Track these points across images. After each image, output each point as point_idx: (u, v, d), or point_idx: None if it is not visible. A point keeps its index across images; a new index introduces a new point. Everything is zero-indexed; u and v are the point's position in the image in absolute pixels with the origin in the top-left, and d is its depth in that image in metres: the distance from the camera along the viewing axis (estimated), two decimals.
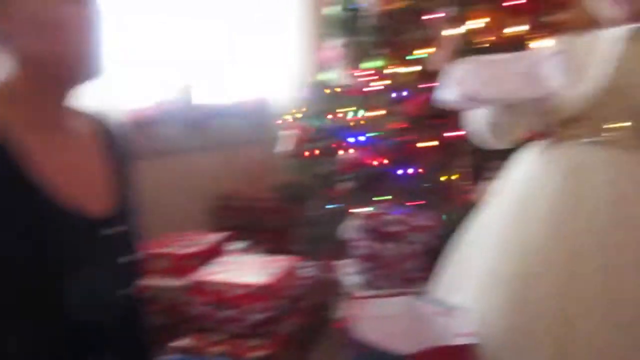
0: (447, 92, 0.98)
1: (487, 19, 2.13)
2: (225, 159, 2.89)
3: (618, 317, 0.86)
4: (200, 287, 1.76)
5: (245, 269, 1.85)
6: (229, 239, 2.33)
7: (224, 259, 1.99)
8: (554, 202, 0.94)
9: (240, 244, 2.36)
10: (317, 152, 2.36)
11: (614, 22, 0.96)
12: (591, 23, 1.02)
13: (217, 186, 2.84)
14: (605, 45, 0.95)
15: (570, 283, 0.89)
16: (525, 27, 2.04)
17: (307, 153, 2.42)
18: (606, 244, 0.87)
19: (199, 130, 2.72)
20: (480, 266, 1.05)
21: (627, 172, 0.87)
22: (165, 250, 1.97)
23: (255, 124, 2.96)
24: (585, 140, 0.92)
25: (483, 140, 1.11)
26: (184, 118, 2.61)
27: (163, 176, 2.54)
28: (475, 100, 0.92)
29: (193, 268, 1.90)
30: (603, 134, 0.90)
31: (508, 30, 2.17)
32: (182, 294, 1.80)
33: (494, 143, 1.11)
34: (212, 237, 2.17)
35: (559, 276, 0.90)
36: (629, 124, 0.88)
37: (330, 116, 2.36)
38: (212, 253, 2.04)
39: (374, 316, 1.17)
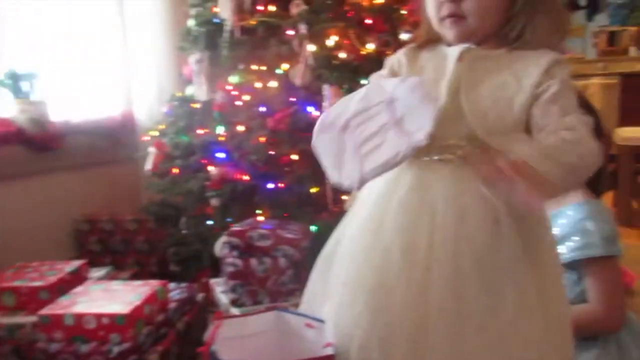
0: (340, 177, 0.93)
1: (344, 36, 2.22)
2: (86, 179, 2.71)
3: (467, 324, 0.89)
4: (55, 322, 1.62)
5: (107, 297, 1.74)
6: (90, 265, 2.19)
7: (84, 288, 1.85)
8: (400, 215, 0.97)
9: (103, 270, 2.22)
10: (184, 169, 2.29)
11: (450, 42, 1.00)
12: (433, 41, 1.05)
13: (78, 209, 2.65)
14: (442, 65, 0.98)
15: (422, 294, 0.91)
16: (373, 45, 2.15)
17: (174, 170, 2.35)
18: (449, 256, 0.91)
19: (55, 149, 2.52)
20: (341, 277, 1.06)
21: (469, 188, 0.90)
22: (14, 283, 1.81)
23: (119, 141, 2.82)
24: (428, 157, 0.95)
25: None
26: (36, 136, 2.40)
27: (12, 202, 2.33)
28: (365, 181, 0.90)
29: (48, 301, 1.75)
30: (445, 152, 0.93)
31: (367, 46, 2.29)
32: (36, 330, 1.66)
33: None
34: (71, 265, 2.02)
35: (411, 287, 0.92)
36: (464, 143, 0.91)
37: (196, 132, 2.31)
38: (69, 283, 1.90)
39: (238, 335, 1.15)
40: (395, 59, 1.05)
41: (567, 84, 0.91)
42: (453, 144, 0.92)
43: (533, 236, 0.95)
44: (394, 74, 1.04)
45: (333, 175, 0.90)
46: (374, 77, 1.08)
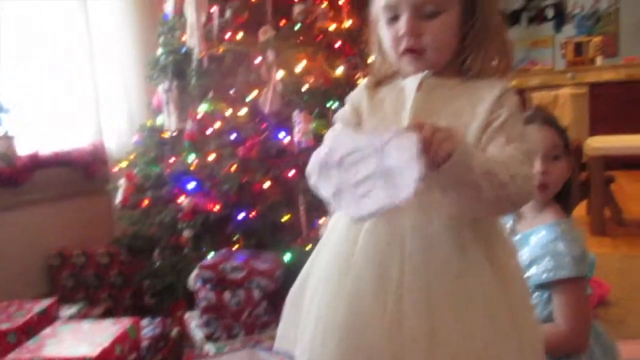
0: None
1: (313, 61, 2.22)
2: (57, 213, 2.66)
3: (442, 352, 0.89)
4: None
5: (76, 338, 1.69)
6: (62, 302, 2.13)
7: (52, 329, 1.80)
8: (370, 246, 0.96)
9: (74, 308, 2.17)
10: (156, 200, 2.26)
11: (407, 75, 1.01)
12: (390, 76, 1.05)
13: (49, 243, 2.59)
14: (401, 96, 0.99)
15: (396, 324, 0.90)
16: (342, 69, 2.16)
17: (145, 202, 2.31)
18: (420, 285, 0.90)
19: (23, 183, 2.47)
20: (313, 312, 1.04)
21: (436, 216, 0.90)
22: None
23: (90, 172, 2.77)
24: None
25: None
26: (4, 171, 2.35)
27: None
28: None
29: (15, 344, 1.70)
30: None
31: (337, 70, 2.30)
32: None
33: None
34: (40, 305, 1.96)
35: (385, 318, 0.91)
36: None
37: (167, 162, 2.28)
38: (38, 323, 1.85)
39: None
40: (356, 96, 1.06)
41: (515, 112, 0.93)
42: None
43: (499, 260, 0.96)
44: (355, 109, 1.04)
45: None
46: (338, 115, 1.08)
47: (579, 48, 6.55)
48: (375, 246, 0.94)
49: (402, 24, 0.93)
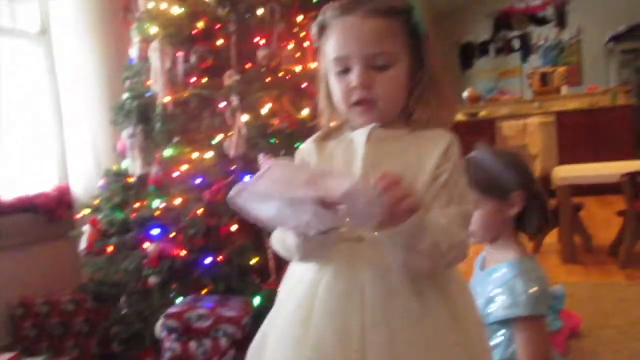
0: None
1: (278, 103, 2.24)
2: (21, 260, 2.59)
3: None
4: None
5: None
6: (24, 354, 2.06)
7: None
8: (329, 300, 0.95)
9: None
10: (120, 246, 2.22)
11: (356, 127, 1.02)
12: (337, 129, 1.06)
13: (13, 292, 2.51)
14: (350, 149, 1.00)
15: None
16: (308, 110, 2.18)
17: (110, 248, 2.27)
18: (382, 336, 0.90)
19: None
20: None
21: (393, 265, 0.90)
22: None
23: (55, 218, 2.72)
24: (350, 239, 0.95)
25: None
26: None
27: None
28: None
29: None
30: (363, 235, 0.92)
31: (302, 112, 2.32)
32: None
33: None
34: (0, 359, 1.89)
35: None
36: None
37: (132, 207, 2.25)
38: None
39: None
40: (305, 150, 1.07)
41: (458, 167, 0.96)
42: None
43: (456, 305, 0.96)
44: (305, 163, 1.05)
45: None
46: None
47: (544, 78, 6.76)
48: (335, 298, 0.94)
49: (354, 76, 0.94)
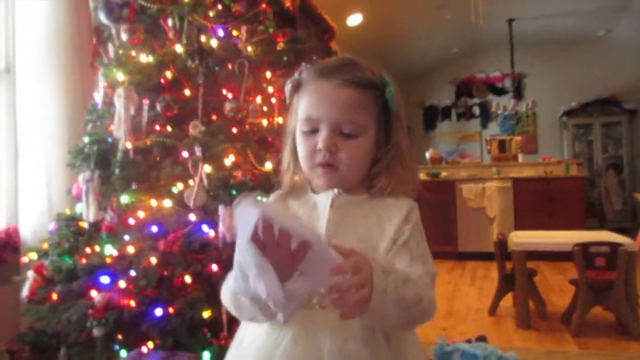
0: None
1: (241, 156, 2.24)
2: None
3: None
4: None
5: None
6: None
7: None
8: None
9: None
10: (65, 294, 2.11)
11: (316, 188, 1.03)
12: (298, 187, 1.07)
13: None
14: (314, 212, 1.00)
15: None
16: (271, 164, 2.19)
17: (55, 296, 2.16)
18: None
19: None
20: None
21: (352, 334, 0.89)
22: None
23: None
24: (310, 306, 0.94)
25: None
26: None
27: None
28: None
29: None
30: (325, 300, 0.91)
31: (266, 165, 2.32)
32: None
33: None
34: None
35: None
36: None
37: (81, 253, 2.17)
38: None
39: None
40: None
41: (418, 227, 0.98)
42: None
43: None
44: None
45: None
46: None
47: (502, 145, 7.02)
48: None
49: (320, 139, 0.96)
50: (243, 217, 0.73)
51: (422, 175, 6.84)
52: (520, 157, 6.93)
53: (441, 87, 9.64)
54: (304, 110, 0.99)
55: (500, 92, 9.14)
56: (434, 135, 9.69)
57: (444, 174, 6.85)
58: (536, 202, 6.18)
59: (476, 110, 9.34)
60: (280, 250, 0.74)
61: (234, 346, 1.03)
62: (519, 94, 8.71)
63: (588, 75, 8.62)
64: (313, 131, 0.98)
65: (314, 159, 0.98)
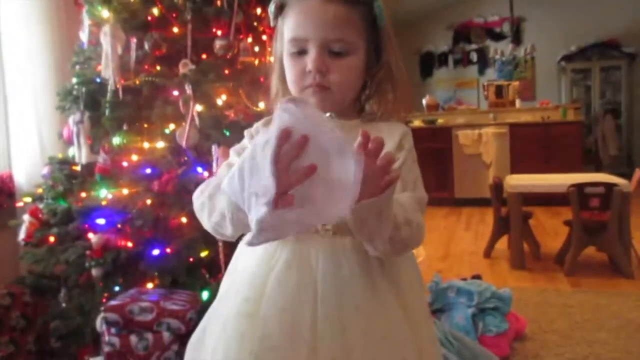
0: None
1: (234, 95, 2.20)
2: None
3: None
4: None
5: None
6: None
7: None
8: (278, 295, 0.92)
9: None
10: (62, 237, 2.12)
11: None
12: None
13: None
14: None
15: None
16: (264, 104, 2.15)
17: (52, 238, 2.17)
18: (335, 330, 0.88)
19: None
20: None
21: (346, 259, 0.89)
22: None
23: None
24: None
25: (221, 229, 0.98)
26: None
27: None
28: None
29: None
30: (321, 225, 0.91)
31: (259, 105, 2.28)
32: None
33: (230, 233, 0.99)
34: None
35: None
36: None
37: (76, 196, 2.16)
38: None
39: None
40: (254, 130, 1.04)
41: (411, 153, 0.97)
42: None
43: (407, 301, 0.95)
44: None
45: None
46: (235, 148, 1.06)
47: (499, 91, 6.94)
48: (286, 291, 0.90)
49: (309, 60, 0.93)
50: (277, 120, 0.69)
51: (419, 122, 6.80)
52: (518, 103, 6.87)
53: (438, 33, 9.43)
54: (290, 31, 0.95)
55: (498, 37, 8.95)
56: (430, 82, 9.55)
57: (440, 120, 6.80)
58: (533, 148, 6.17)
59: (474, 57, 9.17)
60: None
61: (229, 272, 1.03)
62: (517, 39, 8.55)
63: (588, 18, 8.42)
64: (301, 52, 0.94)
65: (304, 81, 0.95)
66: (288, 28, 0.96)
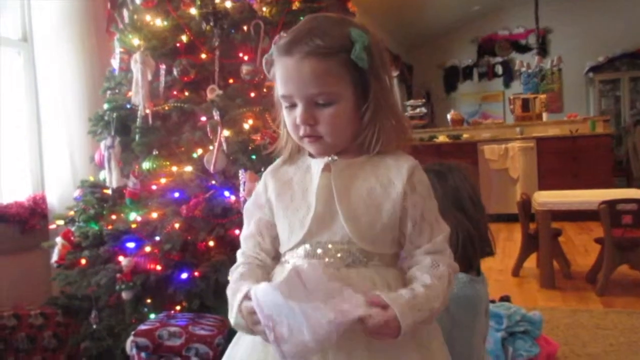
0: None
1: (260, 120, 2.23)
2: None
3: None
4: None
5: None
6: None
7: None
8: None
9: None
10: (93, 259, 2.16)
11: (315, 155, 1.02)
12: (297, 151, 1.07)
13: None
14: (307, 176, 1.01)
15: None
16: None
17: (83, 261, 2.21)
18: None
19: None
20: None
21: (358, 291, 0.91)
22: None
23: (28, 228, 2.65)
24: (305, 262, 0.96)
25: None
26: None
27: None
28: None
29: None
30: (325, 256, 0.95)
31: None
32: None
33: None
34: None
35: None
36: (339, 246, 0.95)
37: (107, 219, 2.21)
38: None
39: None
40: (262, 185, 1.07)
41: (426, 191, 1.00)
42: (331, 247, 0.96)
43: (424, 342, 0.97)
44: (266, 188, 1.06)
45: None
46: (255, 192, 1.09)
47: (525, 104, 6.86)
48: None
49: (297, 114, 0.95)
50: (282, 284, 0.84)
51: (443, 138, 6.75)
52: (545, 116, 6.77)
53: (462, 46, 9.39)
54: (279, 88, 0.98)
55: (523, 49, 8.87)
56: (455, 97, 9.50)
57: (465, 135, 6.74)
58: (561, 162, 6.06)
59: (499, 69, 9.10)
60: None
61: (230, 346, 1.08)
62: (543, 50, 8.45)
63: (615, 28, 8.29)
64: (292, 105, 0.96)
65: (298, 132, 0.98)
66: (277, 84, 0.99)
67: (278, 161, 1.08)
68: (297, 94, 0.94)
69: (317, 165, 1.00)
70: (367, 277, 0.93)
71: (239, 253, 1.08)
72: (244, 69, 2.21)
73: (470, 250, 1.39)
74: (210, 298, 2.04)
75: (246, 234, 1.08)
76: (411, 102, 7.81)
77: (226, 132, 2.08)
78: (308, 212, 0.97)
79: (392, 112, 0.99)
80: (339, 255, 0.95)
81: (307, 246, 0.97)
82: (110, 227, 2.17)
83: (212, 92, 2.16)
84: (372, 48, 0.95)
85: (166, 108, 2.14)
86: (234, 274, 1.04)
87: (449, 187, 1.42)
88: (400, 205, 0.96)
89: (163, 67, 2.18)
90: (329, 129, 0.95)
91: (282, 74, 0.95)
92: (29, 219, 2.64)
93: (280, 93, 0.97)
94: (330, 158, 0.99)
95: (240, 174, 2.07)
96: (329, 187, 0.97)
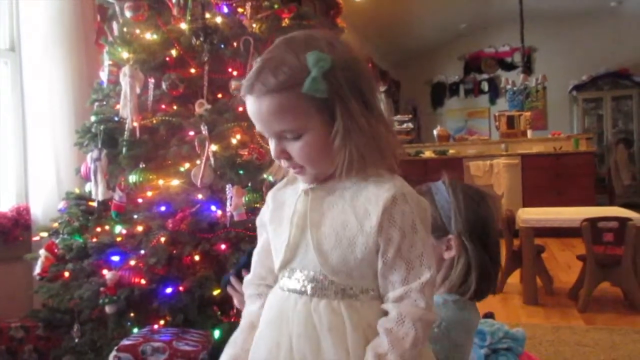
0: None
1: (248, 135, 2.24)
2: None
3: None
4: None
5: None
6: None
7: None
8: (260, 349, 0.97)
9: None
10: (77, 273, 2.14)
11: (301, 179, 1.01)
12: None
13: None
14: (292, 199, 1.00)
15: None
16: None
17: (67, 274, 2.19)
18: None
19: None
20: None
21: (319, 322, 0.90)
22: None
23: (11, 239, 2.62)
24: (285, 289, 0.95)
25: None
26: None
27: None
28: None
29: None
30: (297, 285, 0.94)
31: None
32: None
33: None
34: None
35: None
36: (318, 275, 0.93)
37: (91, 232, 2.19)
38: None
39: None
40: (265, 204, 1.07)
41: (407, 224, 0.91)
42: (304, 278, 0.94)
43: None
44: (266, 217, 1.05)
45: None
46: (260, 214, 1.09)
47: (511, 121, 6.96)
48: (266, 348, 0.95)
49: (271, 149, 0.94)
50: None
51: (430, 153, 6.80)
52: (529, 133, 6.87)
53: (449, 63, 9.52)
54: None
55: (509, 66, 9.02)
56: (441, 112, 9.61)
57: (451, 151, 6.81)
58: (545, 179, 6.15)
59: (485, 86, 9.24)
60: None
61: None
62: (528, 69, 8.59)
63: (599, 48, 8.47)
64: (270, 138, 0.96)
65: (280, 162, 0.97)
66: None
67: (283, 181, 1.06)
68: (265, 131, 0.93)
69: (299, 190, 0.99)
70: (337, 312, 0.90)
71: (246, 280, 1.08)
72: (233, 84, 2.22)
73: (484, 285, 1.30)
74: (194, 313, 2.03)
75: (257, 249, 1.08)
76: (398, 117, 7.88)
77: (214, 147, 2.08)
78: (287, 239, 0.96)
79: (365, 134, 0.92)
80: (310, 285, 0.92)
81: (286, 272, 0.96)
82: (95, 239, 2.15)
83: (201, 107, 2.17)
84: (337, 70, 0.89)
85: (154, 121, 2.14)
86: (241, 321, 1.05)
87: (479, 216, 1.33)
88: (373, 240, 0.90)
89: (152, 80, 2.18)
90: (304, 161, 0.93)
91: (249, 111, 0.93)
92: (12, 230, 2.61)
93: (257, 128, 0.95)
94: (310, 185, 0.97)
95: (227, 189, 2.07)
96: (306, 215, 0.95)
